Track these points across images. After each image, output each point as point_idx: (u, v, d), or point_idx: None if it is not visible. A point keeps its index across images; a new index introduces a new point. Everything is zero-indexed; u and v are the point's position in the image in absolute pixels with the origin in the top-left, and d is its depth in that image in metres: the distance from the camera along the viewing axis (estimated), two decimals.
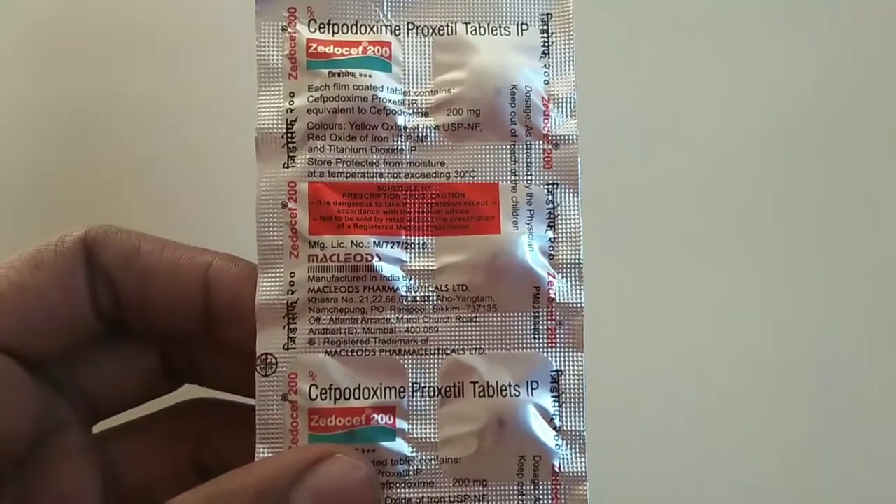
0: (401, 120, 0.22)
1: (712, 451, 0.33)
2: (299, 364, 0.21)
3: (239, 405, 0.24)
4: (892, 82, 0.35)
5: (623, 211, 0.34)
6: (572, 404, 0.22)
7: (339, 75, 0.22)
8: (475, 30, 0.22)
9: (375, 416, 0.21)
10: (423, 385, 0.21)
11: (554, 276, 0.22)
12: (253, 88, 0.22)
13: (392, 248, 0.22)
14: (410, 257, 0.22)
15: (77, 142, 0.33)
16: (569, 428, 0.22)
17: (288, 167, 0.22)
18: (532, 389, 0.22)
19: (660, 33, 0.35)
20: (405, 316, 0.22)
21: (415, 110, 0.22)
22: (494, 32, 0.23)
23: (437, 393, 0.21)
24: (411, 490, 0.21)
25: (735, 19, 0.35)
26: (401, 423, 0.21)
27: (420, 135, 0.22)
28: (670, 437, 0.33)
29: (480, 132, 0.22)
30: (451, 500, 0.21)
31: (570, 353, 0.22)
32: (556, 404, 0.22)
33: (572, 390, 0.22)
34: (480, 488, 0.21)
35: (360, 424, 0.21)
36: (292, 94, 0.22)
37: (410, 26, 0.22)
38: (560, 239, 0.22)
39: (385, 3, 0.22)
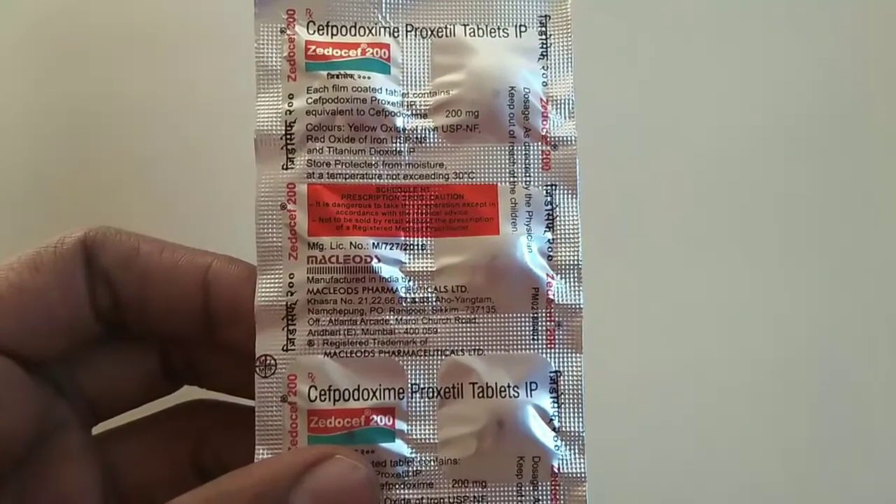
0: (399, 121, 0.22)
1: (712, 451, 0.33)
2: (298, 365, 0.21)
3: (238, 406, 0.24)
4: (892, 82, 0.35)
5: (622, 211, 0.34)
6: (571, 405, 0.22)
7: (337, 77, 0.22)
8: (474, 31, 0.22)
9: (375, 417, 0.21)
10: (422, 386, 0.21)
11: (553, 278, 0.22)
12: (253, 89, 0.22)
13: (391, 249, 0.22)
14: (409, 258, 0.22)
15: (77, 142, 0.33)
16: (568, 429, 0.22)
17: (287, 169, 0.22)
18: (531, 390, 0.22)
19: (659, 33, 0.35)
20: (404, 317, 0.22)
21: (413, 112, 0.22)
22: (493, 34, 0.22)
23: (436, 394, 0.21)
24: (410, 491, 0.21)
25: (735, 19, 0.35)
26: (400, 424, 0.21)
27: (419, 136, 0.22)
28: (670, 437, 0.33)
29: (479, 134, 0.22)
30: (451, 500, 0.21)
31: (569, 354, 0.22)
32: (555, 405, 0.22)
33: (571, 391, 0.22)
34: (480, 489, 0.21)
35: (360, 425, 0.21)
36: (291, 96, 0.22)
37: (409, 28, 0.22)
38: (559, 240, 0.22)
39: (384, 5, 0.22)
